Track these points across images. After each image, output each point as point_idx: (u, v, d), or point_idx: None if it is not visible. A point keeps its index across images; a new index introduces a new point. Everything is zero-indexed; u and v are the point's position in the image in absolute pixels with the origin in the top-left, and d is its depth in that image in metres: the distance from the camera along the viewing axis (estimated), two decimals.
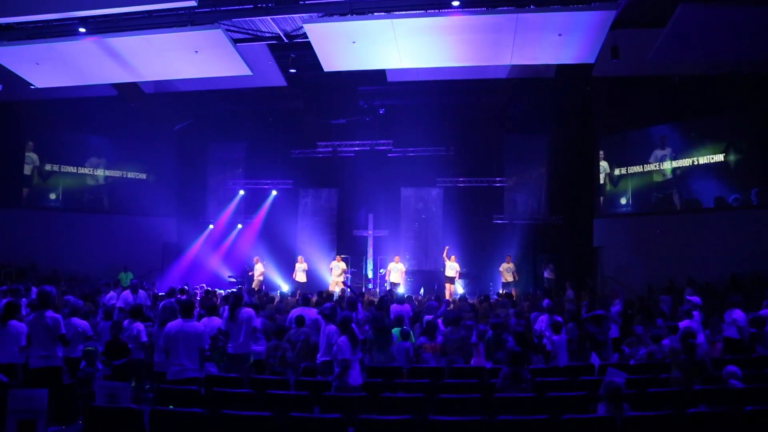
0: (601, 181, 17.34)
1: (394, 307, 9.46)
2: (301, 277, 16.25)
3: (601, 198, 17.39)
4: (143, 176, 18.99)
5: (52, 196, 17.45)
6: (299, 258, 16.59)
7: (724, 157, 14.49)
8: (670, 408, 4.88)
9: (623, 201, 16.79)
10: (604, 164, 17.31)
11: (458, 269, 15.79)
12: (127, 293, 10.43)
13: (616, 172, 16.97)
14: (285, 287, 16.94)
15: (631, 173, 16.64)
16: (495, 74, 13.54)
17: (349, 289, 13.80)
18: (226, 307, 8.19)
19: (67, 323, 7.06)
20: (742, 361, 6.79)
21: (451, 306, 11.08)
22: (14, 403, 4.58)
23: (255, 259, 16.73)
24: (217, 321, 7.53)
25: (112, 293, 10.73)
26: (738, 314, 8.30)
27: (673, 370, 6.23)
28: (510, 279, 15.88)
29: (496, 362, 7.11)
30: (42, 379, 5.57)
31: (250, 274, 16.94)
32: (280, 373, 6.72)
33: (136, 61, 11.24)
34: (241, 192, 19.19)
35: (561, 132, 17.49)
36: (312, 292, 12.53)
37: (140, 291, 10.69)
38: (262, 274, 16.59)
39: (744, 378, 5.57)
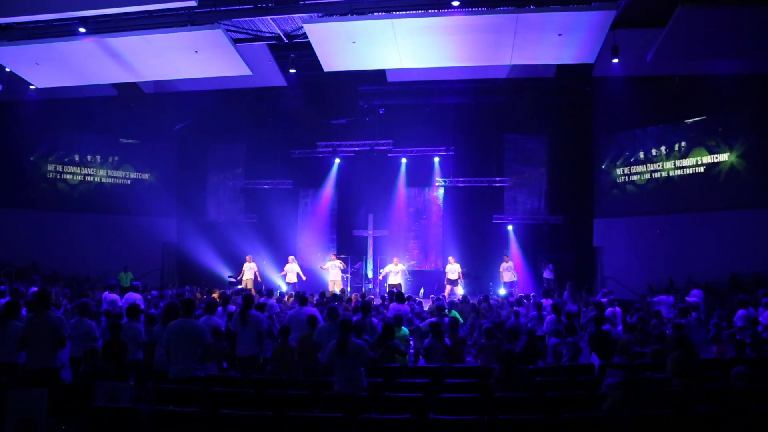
0: (601, 181, 17.35)
1: (393, 306, 9.42)
2: (291, 278, 15.98)
3: (601, 198, 17.39)
4: (143, 176, 18.99)
5: (52, 196, 17.46)
6: (290, 258, 16.32)
7: (724, 157, 14.50)
8: (670, 408, 4.88)
9: (623, 201, 16.79)
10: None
11: (460, 270, 15.77)
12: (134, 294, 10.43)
13: (617, 172, 16.97)
14: (284, 287, 16.91)
15: (631, 173, 16.64)
16: (495, 74, 13.56)
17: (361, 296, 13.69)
18: (230, 307, 8.14)
19: (79, 323, 7.06)
20: (742, 360, 6.79)
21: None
22: (14, 403, 4.58)
23: (248, 258, 16.39)
24: (216, 320, 7.50)
25: (114, 295, 10.73)
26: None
27: (667, 370, 6.23)
28: (509, 278, 15.90)
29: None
30: (41, 381, 5.55)
31: (229, 277, 16.88)
32: (288, 374, 6.67)
33: (136, 61, 11.23)
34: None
35: (561, 132, 17.50)
36: (308, 292, 12.42)
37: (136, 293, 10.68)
38: (254, 273, 16.21)
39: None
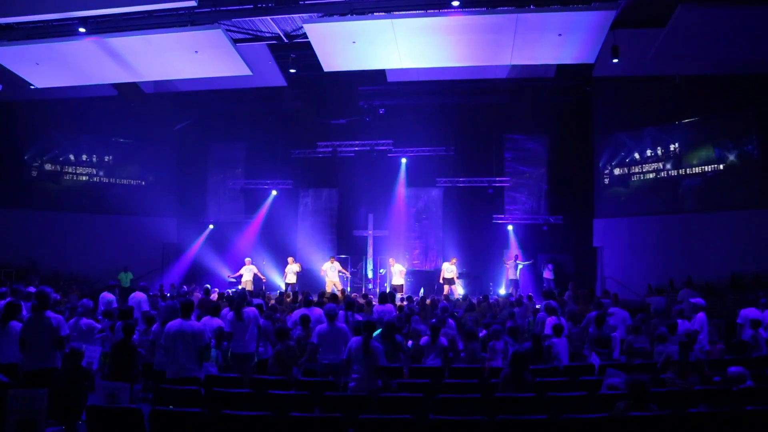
0: (601, 181, 17.35)
1: (376, 308, 9.42)
2: (291, 278, 15.92)
3: (601, 198, 17.38)
4: (143, 176, 18.98)
5: (52, 196, 17.44)
6: (290, 259, 16.30)
7: (724, 157, 14.50)
8: (670, 408, 4.87)
9: (623, 201, 16.78)
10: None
11: (456, 271, 15.73)
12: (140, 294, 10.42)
13: (616, 172, 16.97)
14: (284, 287, 16.87)
15: (630, 173, 16.64)
16: (495, 74, 13.55)
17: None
18: (227, 308, 8.14)
19: (77, 323, 7.05)
20: (741, 361, 6.79)
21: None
22: (14, 403, 4.58)
23: (246, 260, 16.25)
24: (217, 322, 7.50)
25: (111, 296, 10.72)
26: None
27: (668, 371, 6.23)
28: (513, 276, 15.95)
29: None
30: (40, 381, 5.54)
31: (228, 276, 16.83)
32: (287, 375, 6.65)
33: (136, 61, 11.23)
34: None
35: (561, 132, 17.49)
36: (310, 292, 12.40)
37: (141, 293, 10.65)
38: (253, 274, 16.03)
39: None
